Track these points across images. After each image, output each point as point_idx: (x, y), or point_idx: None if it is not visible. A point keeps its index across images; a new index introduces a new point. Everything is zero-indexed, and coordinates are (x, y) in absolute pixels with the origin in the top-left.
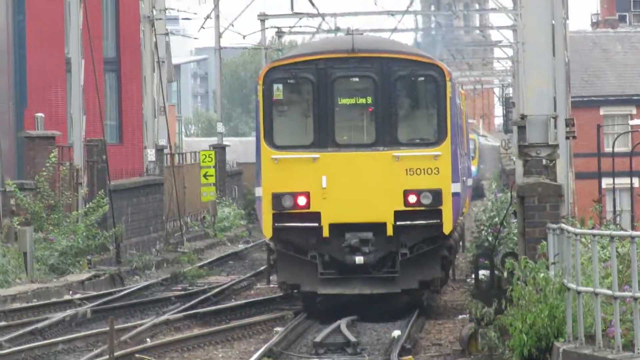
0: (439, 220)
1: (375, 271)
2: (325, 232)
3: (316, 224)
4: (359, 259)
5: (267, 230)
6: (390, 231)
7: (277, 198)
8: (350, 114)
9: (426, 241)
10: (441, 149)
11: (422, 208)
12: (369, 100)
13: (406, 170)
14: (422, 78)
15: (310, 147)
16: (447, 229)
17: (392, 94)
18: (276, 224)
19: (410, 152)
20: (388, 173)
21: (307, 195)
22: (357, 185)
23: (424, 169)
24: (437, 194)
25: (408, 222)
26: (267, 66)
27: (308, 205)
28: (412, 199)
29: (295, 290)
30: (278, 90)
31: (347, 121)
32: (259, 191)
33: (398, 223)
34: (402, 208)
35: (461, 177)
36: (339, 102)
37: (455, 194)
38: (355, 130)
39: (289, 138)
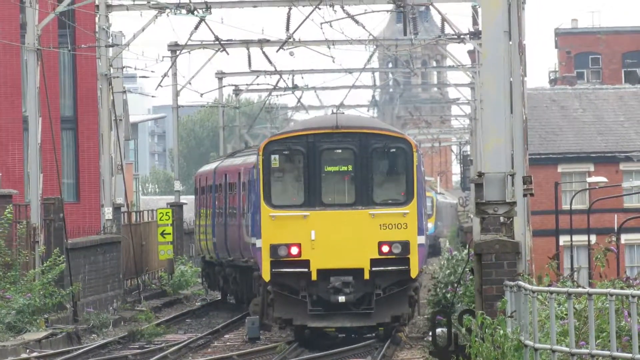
0: (407, 267)
1: (355, 308)
2: (314, 276)
3: (306, 269)
4: (342, 298)
5: (266, 275)
6: (367, 275)
7: (274, 248)
8: (335, 179)
9: (397, 283)
10: (409, 208)
11: (393, 256)
12: (350, 168)
13: (380, 225)
14: (394, 150)
15: (301, 207)
16: (414, 273)
17: (368, 163)
18: (273, 269)
19: (384, 210)
20: (365, 227)
21: (299, 245)
22: (340, 238)
23: (394, 224)
24: (405, 245)
25: (382, 268)
26: (265, 140)
27: (300, 254)
28: (385, 248)
29: (287, 325)
30: (275, 160)
31: (331, 185)
32: (259, 242)
33: (373, 269)
34: (377, 256)
35: (425, 231)
36: (325, 169)
37: (420, 245)
38: (338, 192)
39: (284, 199)
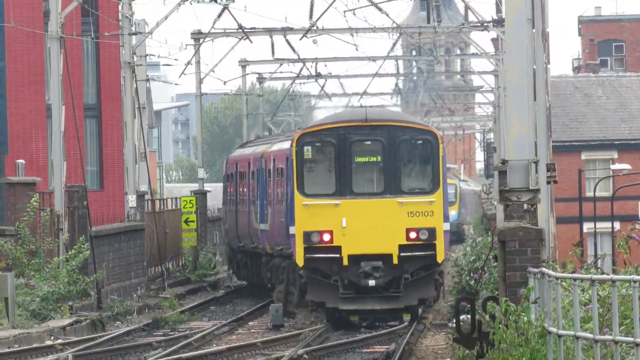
0: (433, 252)
1: (384, 291)
2: (345, 262)
3: (338, 255)
4: (372, 282)
5: (300, 260)
6: (395, 260)
7: (307, 235)
8: (364, 169)
9: (423, 268)
10: (435, 197)
11: (421, 242)
12: (379, 158)
13: (408, 212)
14: (420, 141)
15: (333, 195)
16: (440, 258)
17: (396, 154)
18: (307, 255)
19: (411, 199)
20: (394, 215)
21: (331, 232)
22: (370, 225)
23: (421, 212)
24: (432, 231)
25: (409, 253)
26: (298, 133)
27: (332, 240)
28: (413, 235)
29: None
30: (308, 151)
31: (361, 175)
32: (292, 229)
33: (402, 254)
34: (405, 242)
35: (449, 218)
36: (355, 160)
37: (446, 231)
38: (368, 182)
39: (316, 188)
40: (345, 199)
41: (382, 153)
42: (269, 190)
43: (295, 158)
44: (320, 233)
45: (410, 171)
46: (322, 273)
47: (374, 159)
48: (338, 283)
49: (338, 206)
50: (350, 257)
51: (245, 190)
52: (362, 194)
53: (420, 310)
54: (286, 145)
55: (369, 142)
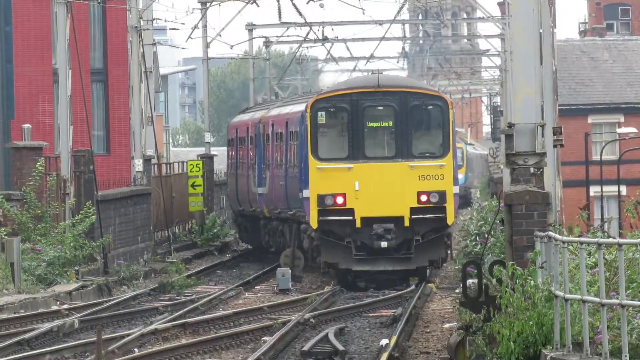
0: (444, 215)
1: (396, 253)
2: (358, 224)
3: (351, 217)
4: (384, 244)
5: (314, 222)
6: (407, 223)
7: (321, 198)
8: (376, 133)
9: (434, 230)
10: (445, 160)
11: (431, 205)
12: (390, 123)
13: (419, 176)
14: (431, 107)
15: (346, 159)
16: (450, 220)
17: (408, 119)
18: (320, 218)
19: (422, 162)
20: (405, 178)
21: (344, 195)
22: (382, 188)
23: (432, 175)
24: (442, 195)
25: (420, 216)
26: (312, 98)
27: (345, 203)
28: (424, 198)
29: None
30: (321, 117)
31: (374, 139)
32: (306, 193)
33: (413, 216)
34: (416, 205)
35: (458, 182)
36: (368, 125)
37: (455, 194)
38: (380, 146)
39: (330, 152)
40: (358, 162)
41: (393, 118)
42: (267, 154)
43: (309, 123)
44: (334, 196)
45: (421, 136)
46: (335, 235)
47: (385, 123)
48: (351, 245)
49: (351, 170)
50: (362, 219)
51: (244, 155)
52: (375, 158)
53: (428, 272)
54: (285, 110)
55: (381, 108)
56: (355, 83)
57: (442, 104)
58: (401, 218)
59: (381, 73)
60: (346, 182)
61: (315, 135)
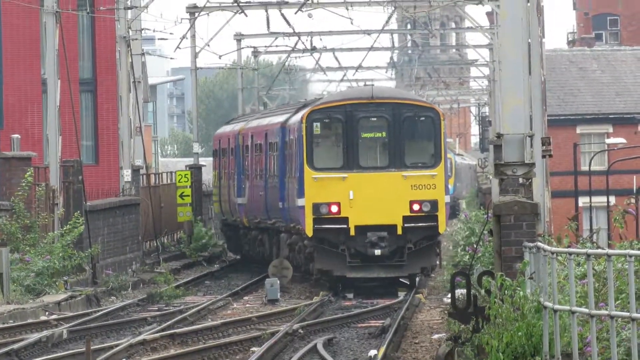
0: (435, 223)
1: (389, 260)
2: (352, 232)
3: (345, 226)
4: (377, 251)
5: (309, 230)
6: (400, 231)
7: (316, 207)
8: (370, 144)
9: (425, 238)
10: (437, 171)
11: (423, 214)
12: (384, 134)
13: (411, 185)
14: (423, 118)
15: (340, 169)
16: (441, 229)
17: (400, 130)
18: (315, 226)
19: (415, 172)
20: (398, 188)
21: (339, 204)
22: (375, 197)
23: (424, 185)
24: (434, 204)
25: (413, 224)
26: (308, 110)
27: (339, 212)
28: (416, 207)
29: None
30: (317, 127)
31: (367, 149)
32: (301, 201)
33: (406, 225)
34: (409, 214)
35: (449, 191)
36: (362, 136)
37: (447, 203)
38: (373, 156)
39: (325, 162)
40: (352, 172)
41: (387, 129)
42: (245, 165)
43: (304, 133)
44: (329, 205)
45: (414, 146)
46: (329, 243)
47: (379, 134)
48: (345, 252)
49: (345, 179)
50: (357, 227)
51: (225, 165)
52: (368, 168)
53: (417, 280)
54: (264, 122)
55: (375, 119)
56: (349, 94)
57: (433, 115)
58: (394, 226)
59: (373, 84)
60: (341, 191)
61: (310, 146)
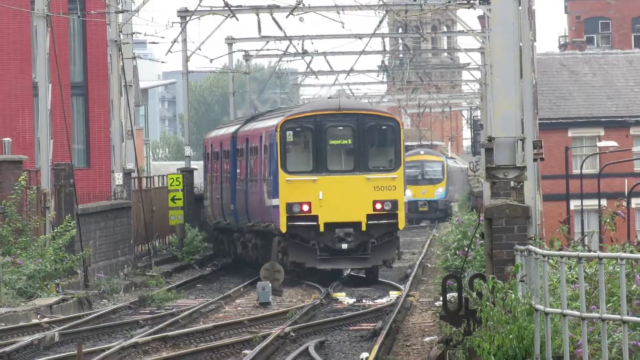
0: (395, 220)
1: (354, 254)
2: (322, 228)
3: (315, 223)
4: (344, 246)
5: (283, 227)
6: (364, 227)
7: (289, 206)
8: (337, 150)
9: (387, 234)
10: (397, 174)
11: (385, 212)
12: (349, 141)
13: (374, 187)
14: (385, 127)
15: (311, 172)
16: (401, 225)
17: (364, 138)
18: (289, 223)
19: (377, 175)
20: (362, 189)
21: (309, 204)
22: (342, 197)
23: (385, 186)
24: (394, 203)
25: (376, 222)
26: (281, 120)
27: (310, 210)
28: (379, 206)
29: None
30: (289, 135)
31: (335, 155)
32: (276, 201)
33: (369, 222)
34: (372, 212)
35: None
36: (330, 143)
37: (405, 203)
38: (340, 161)
39: (297, 166)
40: (322, 175)
41: (352, 137)
42: (228, 169)
43: (279, 140)
44: (301, 204)
45: (376, 152)
46: (301, 238)
47: (345, 141)
48: (316, 247)
49: (315, 181)
50: (325, 224)
51: (213, 169)
52: (336, 171)
53: (379, 270)
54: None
55: (342, 128)
56: (318, 106)
57: (394, 124)
58: (359, 223)
59: (340, 97)
60: (311, 192)
61: (284, 152)
